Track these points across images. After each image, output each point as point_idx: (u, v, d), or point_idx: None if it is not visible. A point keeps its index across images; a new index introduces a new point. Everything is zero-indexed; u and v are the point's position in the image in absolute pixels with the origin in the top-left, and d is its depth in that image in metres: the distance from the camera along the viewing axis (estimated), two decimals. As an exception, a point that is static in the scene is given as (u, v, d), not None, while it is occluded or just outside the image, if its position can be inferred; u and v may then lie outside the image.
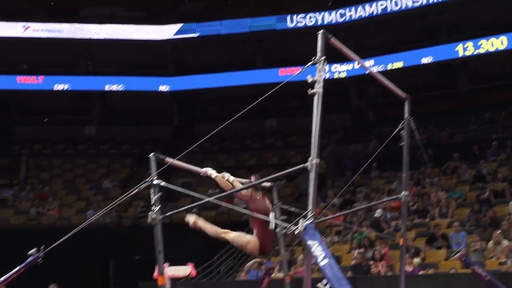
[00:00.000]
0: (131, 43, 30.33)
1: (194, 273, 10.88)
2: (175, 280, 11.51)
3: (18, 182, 26.93)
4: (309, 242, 4.90)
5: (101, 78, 31.02)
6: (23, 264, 6.40)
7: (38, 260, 6.39)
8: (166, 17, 31.06)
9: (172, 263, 8.54)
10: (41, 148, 29.94)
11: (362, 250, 15.13)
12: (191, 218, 7.50)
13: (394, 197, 11.50)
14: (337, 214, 15.45)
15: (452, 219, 16.58)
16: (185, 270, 10.11)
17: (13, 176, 28.29)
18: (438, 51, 27.53)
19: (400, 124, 7.70)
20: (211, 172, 7.39)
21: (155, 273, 7.17)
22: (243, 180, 7.65)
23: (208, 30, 30.38)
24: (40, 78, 30.41)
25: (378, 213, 17.31)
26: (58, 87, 30.36)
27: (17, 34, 29.71)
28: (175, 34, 30.62)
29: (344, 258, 15.93)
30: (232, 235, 7.49)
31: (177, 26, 30.59)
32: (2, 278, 6.45)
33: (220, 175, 7.35)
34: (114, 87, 30.77)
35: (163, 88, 30.98)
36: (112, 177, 26.86)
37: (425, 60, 27.61)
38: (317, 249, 4.84)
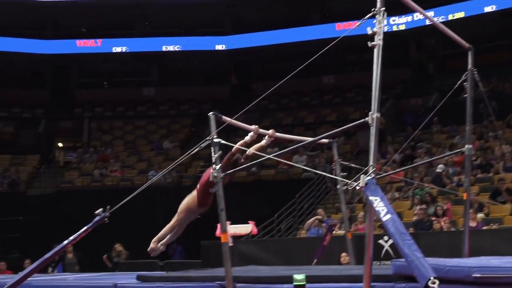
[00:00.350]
0: (186, 3, 30.27)
1: (255, 231, 11.00)
2: (237, 238, 11.66)
3: (81, 145, 27.61)
4: (371, 198, 4.86)
5: (158, 39, 31.18)
6: (90, 224, 6.55)
7: (105, 220, 6.53)
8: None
9: (233, 222, 8.62)
10: (102, 110, 30.50)
11: (424, 206, 14.94)
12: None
13: (457, 151, 11.29)
14: (398, 170, 15.28)
15: (517, 173, 16.20)
16: (246, 228, 10.22)
17: (76, 139, 29.04)
18: (501, -2, 26.52)
19: (463, 76, 7.48)
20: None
21: (218, 231, 7.25)
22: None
23: (263, -13, 30.02)
24: (99, 41, 30.79)
25: (440, 168, 17.03)
26: (117, 49, 30.70)
27: (75, -2, 30.08)
28: (230, -9, 30.41)
29: (405, 215, 15.79)
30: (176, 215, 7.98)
31: (232, -17, 30.36)
32: (71, 238, 6.62)
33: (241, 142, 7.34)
34: (171, 48, 30.90)
35: (220, 47, 30.94)
36: (172, 137, 27.20)
37: (488, 8, 26.66)
38: (379, 204, 4.80)
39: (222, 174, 6.46)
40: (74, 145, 29.63)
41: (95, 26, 31.80)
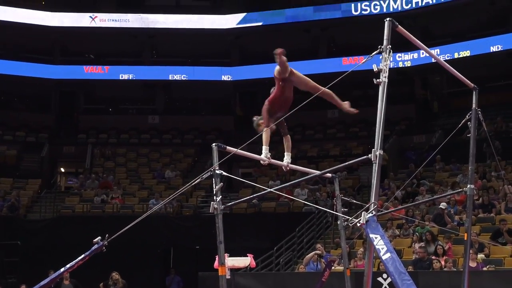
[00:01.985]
0: (194, 33, 30.51)
1: (253, 264, 10.91)
2: (235, 271, 11.56)
3: (83, 171, 27.57)
4: (371, 235, 4.82)
5: (164, 68, 31.36)
6: (88, 252, 6.50)
7: (103, 249, 6.48)
8: (230, 6, 31.13)
9: (232, 253, 8.56)
10: (106, 137, 30.53)
11: (423, 244, 14.83)
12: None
13: (459, 190, 11.25)
14: (399, 207, 15.22)
15: (520, 214, 16.09)
16: (245, 261, 10.13)
17: (78, 164, 29.03)
18: (507, 39, 26.62)
19: (467, 115, 7.48)
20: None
21: (216, 263, 7.19)
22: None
23: (271, 19, 30.28)
24: (106, 68, 30.98)
25: (442, 205, 16.95)
26: (123, 76, 30.85)
27: (85, 24, 30.33)
28: (238, 23, 30.65)
29: (405, 252, 15.68)
30: None
31: (241, 15, 30.61)
32: (68, 266, 6.57)
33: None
34: (178, 77, 31.03)
35: (226, 77, 31.08)
36: (174, 166, 27.17)
37: (494, 48, 26.79)
38: (379, 242, 4.76)
39: (222, 206, 6.43)
40: (76, 171, 29.60)
41: (103, 53, 32.06)
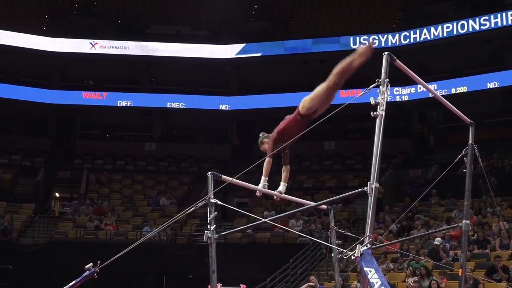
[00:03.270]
0: (193, 62, 30.66)
1: (246, 294, 10.83)
2: (227, 301, 11.46)
3: (78, 196, 27.47)
4: (366, 269, 4.79)
5: (162, 95, 31.43)
6: (79, 279, 6.42)
7: (94, 275, 6.41)
8: (230, 36, 31.35)
9: (225, 283, 8.49)
10: (102, 163, 30.48)
11: (416, 278, 14.76)
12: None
13: (454, 225, 11.22)
14: (394, 241, 15.17)
15: (514, 251, 16.06)
16: (237, 291, 10.07)
17: (73, 189, 28.94)
18: (504, 76, 26.84)
19: (464, 151, 7.49)
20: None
21: (208, 293, 7.13)
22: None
23: (270, 50, 30.48)
24: (105, 94, 31.04)
25: (437, 241, 16.90)
26: (121, 103, 30.90)
27: (85, 51, 30.47)
28: (237, 54, 30.82)
29: (399, 287, 15.60)
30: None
31: (240, 46, 30.79)
32: (58, 291, 6.50)
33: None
34: (175, 105, 31.10)
35: (223, 107, 31.17)
36: (169, 194, 27.10)
37: (491, 85, 26.97)
38: (374, 276, 4.73)
39: (216, 236, 6.39)
40: (71, 196, 29.51)
41: (102, 79, 32.18)
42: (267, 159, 7.30)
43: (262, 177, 7.42)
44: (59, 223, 24.81)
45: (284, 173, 7.60)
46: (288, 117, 7.42)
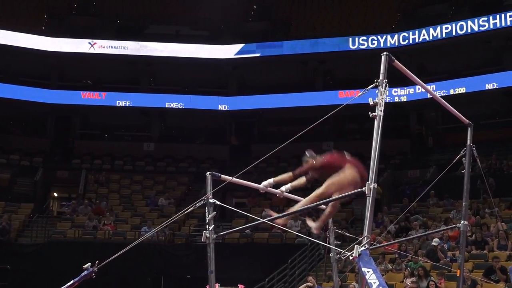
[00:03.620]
0: (192, 62, 30.65)
1: (244, 294, 10.83)
2: (225, 301, 11.45)
3: (76, 196, 27.46)
4: (364, 269, 4.79)
5: (161, 95, 31.42)
6: (77, 278, 6.43)
7: (92, 275, 6.42)
8: (229, 37, 31.34)
9: (223, 283, 8.50)
10: (100, 163, 30.44)
11: (414, 279, 14.76)
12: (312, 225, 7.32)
13: (452, 226, 11.22)
14: (392, 241, 15.17)
15: (512, 252, 16.07)
16: (235, 291, 10.07)
17: (72, 189, 28.93)
18: (503, 77, 26.85)
19: (462, 151, 7.49)
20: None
21: (206, 293, 7.13)
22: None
23: (269, 51, 30.47)
24: (103, 94, 31.02)
25: (435, 242, 16.91)
26: (120, 103, 30.88)
27: (84, 50, 30.44)
28: (236, 54, 30.81)
29: (397, 287, 15.59)
30: (322, 188, 7.24)
31: (239, 46, 30.78)
32: (56, 291, 6.50)
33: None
34: (174, 105, 31.07)
35: (222, 107, 31.15)
36: (167, 194, 27.09)
37: (489, 86, 26.98)
38: (372, 276, 4.74)
39: (215, 236, 6.40)
40: (69, 196, 29.49)
41: (101, 79, 32.16)
42: (290, 173, 7.20)
43: (272, 179, 7.34)
44: (57, 223, 24.79)
45: (299, 181, 7.49)
46: (332, 156, 7.40)
